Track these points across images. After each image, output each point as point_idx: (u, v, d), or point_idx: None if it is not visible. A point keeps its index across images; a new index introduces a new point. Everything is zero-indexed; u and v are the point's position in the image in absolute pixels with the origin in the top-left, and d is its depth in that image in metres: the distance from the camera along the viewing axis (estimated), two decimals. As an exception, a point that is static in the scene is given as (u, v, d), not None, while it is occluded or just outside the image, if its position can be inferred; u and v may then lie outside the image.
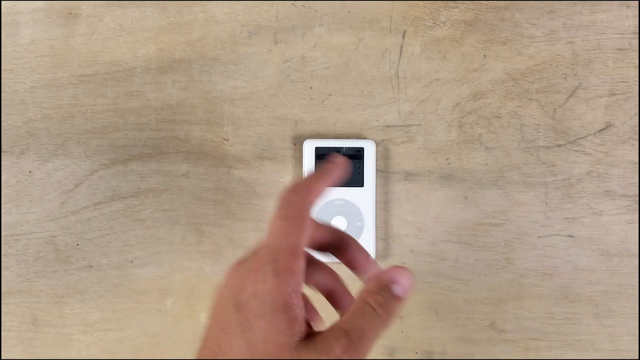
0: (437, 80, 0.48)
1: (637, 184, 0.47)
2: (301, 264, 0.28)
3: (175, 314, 0.48)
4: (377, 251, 0.47)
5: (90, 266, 0.48)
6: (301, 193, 0.29)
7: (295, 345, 0.26)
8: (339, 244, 0.32)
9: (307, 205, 0.29)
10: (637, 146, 0.47)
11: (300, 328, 0.27)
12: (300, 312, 0.27)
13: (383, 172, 0.48)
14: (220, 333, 0.28)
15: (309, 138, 0.48)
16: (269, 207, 0.48)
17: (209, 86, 0.48)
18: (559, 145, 0.48)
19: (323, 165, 0.31)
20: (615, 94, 0.48)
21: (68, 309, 0.48)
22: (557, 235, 0.47)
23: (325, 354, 0.26)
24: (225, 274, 0.29)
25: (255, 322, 0.27)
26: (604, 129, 0.48)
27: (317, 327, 0.30)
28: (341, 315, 0.30)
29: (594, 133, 0.48)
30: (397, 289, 0.28)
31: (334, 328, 0.27)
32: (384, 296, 0.28)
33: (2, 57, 0.48)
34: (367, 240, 0.47)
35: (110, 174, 0.48)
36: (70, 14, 0.49)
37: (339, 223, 0.47)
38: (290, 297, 0.27)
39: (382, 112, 0.48)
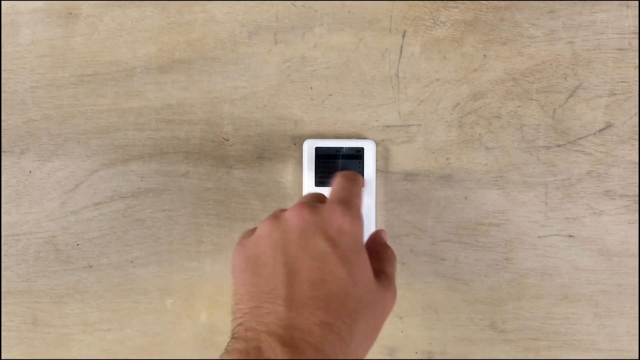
0: (437, 80, 0.48)
1: (637, 184, 0.47)
2: None
3: (175, 314, 0.48)
4: (377, 251, 0.47)
5: (90, 266, 0.48)
6: (359, 177, 0.38)
7: (374, 281, 0.33)
8: None
9: (362, 183, 0.38)
10: (637, 146, 0.47)
11: (370, 265, 0.33)
12: None
13: (383, 172, 0.48)
14: (316, 262, 0.31)
15: (309, 138, 0.48)
16: (269, 207, 0.48)
17: (209, 86, 0.48)
18: (559, 145, 0.48)
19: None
20: (615, 94, 0.48)
21: (68, 309, 0.48)
22: (557, 235, 0.47)
23: (389, 289, 0.34)
24: (293, 212, 0.33)
25: (352, 257, 0.32)
26: (604, 129, 0.48)
27: None
28: None
29: (594, 133, 0.48)
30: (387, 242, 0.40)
31: (379, 273, 0.35)
32: (386, 249, 0.38)
33: (2, 57, 0.49)
34: (367, 240, 0.47)
35: (110, 174, 0.48)
36: (70, 14, 0.49)
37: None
38: (363, 239, 0.34)
39: (382, 112, 0.48)
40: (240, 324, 0.31)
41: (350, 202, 0.34)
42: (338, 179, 0.37)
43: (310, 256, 0.31)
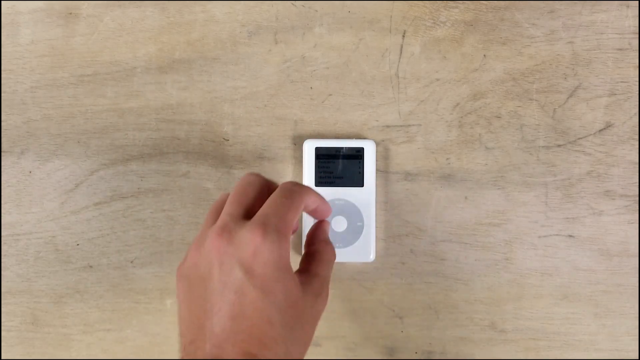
0: (437, 80, 0.48)
1: (637, 184, 0.47)
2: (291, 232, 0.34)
3: (175, 314, 0.48)
4: (377, 251, 0.47)
5: (90, 266, 0.48)
6: (301, 187, 0.36)
7: (302, 296, 0.33)
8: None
9: (303, 197, 0.35)
10: (637, 146, 0.47)
11: (297, 281, 0.33)
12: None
13: (383, 172, 0.48)
14: (236, 296, 0.31)
15: (309, 138, 0.48)
16: (269, 207, 0.48)
17: (209, 86, 0.48)
18: (559, 145, 0.48)
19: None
20: (615, 94, 0.48)
21: (68, 309, 0.48)
22: (557, 235, 0.47)
23: (320, 295, 0.35)
24: (212, 242, 0.32)
25: (272, 284, 0.31)
26: (604, 129, 0.48)
27: None
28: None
29: (594, 133, 0.48)
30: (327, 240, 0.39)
31: (313, 277, 0.35)
32: (327, 247, 0.38)
33: (2, 57, 0.49)
34: (367, 240, 0.47)
35: (110, 174, 0.48)
36: (70, 14, 0.49)
37: (339, 223, 0.47)
38: (288, 259, 0.33)
39: (382, 112, 0.48)
40: None
41: (274, 222, 0.32)
42: (275, 191, 0.35)
43: (231, 290, 0.31)
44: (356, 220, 0.47)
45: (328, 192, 0.47)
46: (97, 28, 0.48)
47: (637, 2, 0.48)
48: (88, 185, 0.48)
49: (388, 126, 0.48)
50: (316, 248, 0.38)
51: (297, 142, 0.48)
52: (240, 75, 0.48)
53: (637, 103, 0.48)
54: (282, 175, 0.48)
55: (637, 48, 0.48)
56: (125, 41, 0.48)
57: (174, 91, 0.48)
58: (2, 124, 0.48)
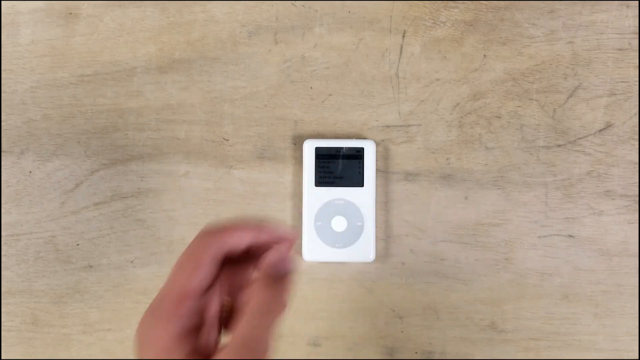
0: (437, 80, 0.48)
1: (637, 184, 0.47)
2: (188, 305, 0.29)
3: (175, 314, 0.48)
4: (377, 251, 0.47)
5: (90, 266, 0.48)
6: (213, 234, 0.30)
7: None
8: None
9: (212, 247, 0.29)
10: (637, 146, 0.47)
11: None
12: (190, 344, 0.28)
13: (383, 172, 0.48)
14: None
15: (309, 138, 0.48)
16: (269, 207, 0.48)
17: (209, 86, 0.48)
18: (559, 145, 0.48)
19: (265, 223, 0.31)
20: (615, 94, 0.48)
21: (68, 309, 0.48)
22: (557, 235, 0.47)
23: None
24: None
25: None
26: (604, 129, 0.48)
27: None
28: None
29: (594, 133, 0.48)
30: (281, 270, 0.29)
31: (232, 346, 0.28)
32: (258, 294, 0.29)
33: (2, 57, 0.49)
34: (367, 240, 0.47)
35: (110, 174, 0.48)
36: (70, 14, 0.49)
37: (339, 223, 0.47)
38: (173, 341, 0.28)
39: (382, 112, 0.48)
40: None
41: (166, 296, 0.29)
42: (257, 294, 0.28)
43: None
44: (356, 220, 0.47)
45: (328, 192, 0.47)
46: (97, 28, 0.48)
47: (637, 2, 0.48)
48: (88, 185, 0.48)
49: (388, 126, 0.48)
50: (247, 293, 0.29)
51: (297, 142, 0.48)
52: (240, 75, 0.48)
53: (637, 103, 0.48)
54: (282, 175, 0.48)
55: (637, 48, 0.48)
56: (125, 41, 0.48)
57: (174, 91, 0.48)
58: (2, 124, 0.48)
